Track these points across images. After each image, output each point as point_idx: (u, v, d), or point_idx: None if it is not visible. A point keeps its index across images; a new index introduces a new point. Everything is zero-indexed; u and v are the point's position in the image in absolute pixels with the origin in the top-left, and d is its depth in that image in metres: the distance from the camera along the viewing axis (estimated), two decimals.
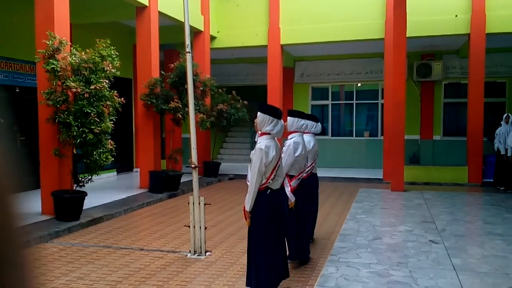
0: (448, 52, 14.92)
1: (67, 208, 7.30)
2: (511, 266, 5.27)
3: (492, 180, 12.04)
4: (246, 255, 4.38)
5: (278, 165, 4.20)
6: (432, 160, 14.89)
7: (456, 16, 12.37)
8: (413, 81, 15.01)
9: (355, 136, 16.23)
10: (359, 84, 16.33)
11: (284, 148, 5.36)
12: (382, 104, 14.56)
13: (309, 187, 5.92)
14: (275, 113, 4.24)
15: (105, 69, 7.31)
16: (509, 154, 10.87)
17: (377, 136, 15.72)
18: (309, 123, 6.11)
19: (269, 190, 4.13)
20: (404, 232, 6.99)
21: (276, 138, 4.30)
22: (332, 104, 16.54)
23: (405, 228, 7.25)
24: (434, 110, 15.27)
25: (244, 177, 15.18)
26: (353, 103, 16.36)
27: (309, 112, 15.26)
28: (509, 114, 11.48)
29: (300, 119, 5.67)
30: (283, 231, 4.35)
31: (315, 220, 6.64)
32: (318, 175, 6.69)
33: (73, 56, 7.17)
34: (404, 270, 5.15)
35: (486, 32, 12.06)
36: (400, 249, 6.05)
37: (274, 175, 4.16)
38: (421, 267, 5.23)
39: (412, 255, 5.74)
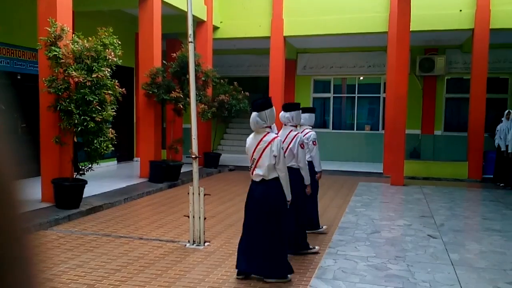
0: (452, 47, 14.86)
1: (67, 196, 7.32)
2: (508, 262, 5.29)
3: (492, 176, 12.05)
4: None
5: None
6: (432, 155, 14.89)
7: (460, 10, 12.30)
8: (416, 76, 14.97)
9: (356, 130, 16.22)
10: (361, 78, 16.28)
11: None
12: (384, 98, 14.53)
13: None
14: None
15: (107, 58, 7.29)
16: (509, 151, 10.87)
17: (378, 130, 15.70)
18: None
19: None
20: (402, 226, 7.01)
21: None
22: (333, 97, 16.51)
23: (404, 222, 7.27)
24: (436, 105, 15.25)
25: (244, 168, 15.07)
26: (354, 97, 16.32)
27: (311, 105, 15.28)
28: (511, 111, 11.46)
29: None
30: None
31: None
32: None
33: (75, 43, 7.15)
34: (402, 264, 5.17)
35: (490, 27, 12.00)
36: (398, 243, 6.07)
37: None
38: (419, 261, 5.25)
39: (410, 249, 5.76)
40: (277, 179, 4.48)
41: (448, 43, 14.60)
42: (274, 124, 4.77)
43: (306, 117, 6.17)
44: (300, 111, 5.57)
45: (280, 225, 4.51)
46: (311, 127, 6.34)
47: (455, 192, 10.27)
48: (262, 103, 4.54)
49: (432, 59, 14.63)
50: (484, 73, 12.16)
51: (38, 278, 0.54)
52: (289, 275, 4.64)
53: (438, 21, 12.38)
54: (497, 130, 11.54)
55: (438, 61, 14.59)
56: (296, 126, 5.58)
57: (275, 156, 4.42)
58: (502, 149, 11.27)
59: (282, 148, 4.49)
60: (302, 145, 5.27)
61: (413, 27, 11.18)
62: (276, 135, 4.59)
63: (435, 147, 15.13)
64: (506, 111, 11.66)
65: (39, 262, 0.55)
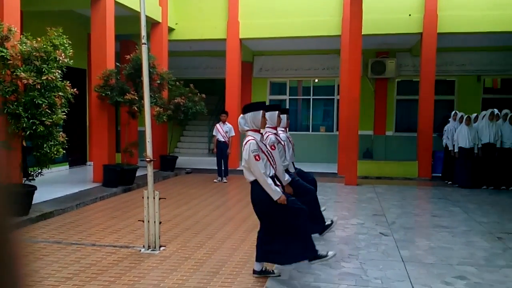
0: (402, 51, 15.37)
1: (15, 202, 7.04)
2: (455, 257, 5.53)
3: (440, 174, 12.55)
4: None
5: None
6: (384, 155, 15.34)
7: (409, 15, 12.76)
8: (368, 78, 15.38)
9: (312, 131, 16.47)
10: (316, 80, 16.56)
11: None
12: (338, 100, 14.84)
13: None
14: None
15: (57, 59, 7.07)
16: (455, 150, 11.36)
17: (333, 131, 16.01)
18: None
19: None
20: (356, 225, 7.19)
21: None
22: (289, 99, 16.71)
23: (357, 221, 7.46)
24: (387, 107, 15.72)
25: (202, 171, 14.85)
26: (310, 99, 16.58)
27: None
28: (457, 112, 11.99)
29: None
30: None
31: None
32: None
33: (24, 44, 6.90)
34: (355, 262, 5.31)
35: (437, 31, 12.52)
36: (352, 241, 6.22)
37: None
38: (371, 259, 5.41)
39: (363, 247, 5.92)
40: (257, 181, 4.49)
41: (399, 46, 15.10)
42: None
43: (285, 119, 6.26)
44: (277, 112, 5.57)
45: (274, 224, 4.59)
46: (283, 129, 6.24)
47: (406, 191, 10.63)
48: (247, 105, 4.72)
49: (383, 62, 15.08)
50: (432, 76, 12.66)
51: (26, 279, 0.55)
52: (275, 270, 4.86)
53: (389, 25, 12.79)
54: (445, 130, 12.05)
55: (389, 64, 15.05)
56: (275, 128, 5.61)
57: (245, 159, 4.48)
58: (449, 149, 11.76)
59: (255, 150, 4.42)
60: (272, 147, 5.26)
61: (365, 30, 11.50)
62: (252, 138, 4.52)
63: (386, 148, 15.59)
64: (453, 112, 12.19)
65: (27, 264, 0.56)
